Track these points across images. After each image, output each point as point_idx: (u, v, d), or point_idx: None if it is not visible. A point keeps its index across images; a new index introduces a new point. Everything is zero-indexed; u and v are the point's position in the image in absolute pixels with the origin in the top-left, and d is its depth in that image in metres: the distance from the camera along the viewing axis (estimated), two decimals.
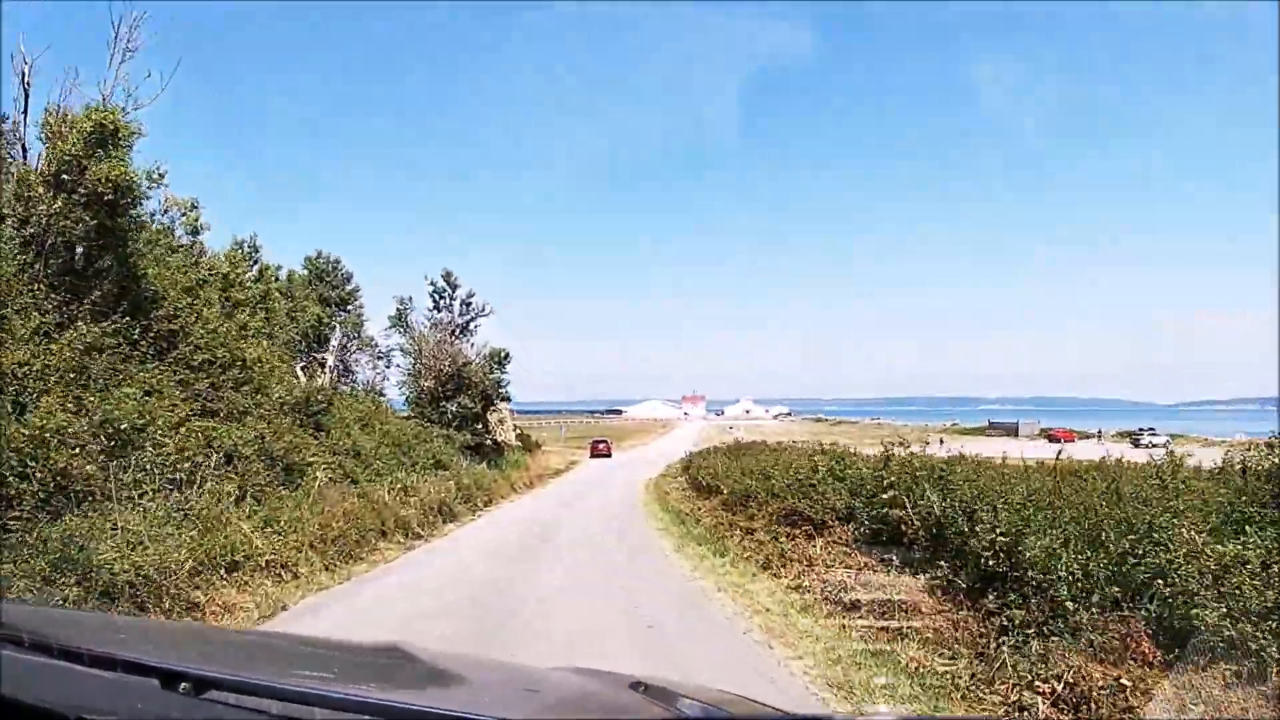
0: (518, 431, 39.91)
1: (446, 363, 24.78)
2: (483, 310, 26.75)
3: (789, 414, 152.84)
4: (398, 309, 26.44)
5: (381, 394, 26.48)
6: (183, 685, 1.20)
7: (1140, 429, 61.55)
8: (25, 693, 1.17)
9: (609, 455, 44.26)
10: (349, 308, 27.42)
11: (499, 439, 29.66)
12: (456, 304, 26.59)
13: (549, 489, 25.75)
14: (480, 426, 27.15)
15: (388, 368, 26.80)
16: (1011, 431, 66.86)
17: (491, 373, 25.85)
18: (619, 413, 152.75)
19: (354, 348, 27.43)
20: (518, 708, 1.40)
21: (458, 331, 26.05)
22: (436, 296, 26.60)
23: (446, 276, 26.60)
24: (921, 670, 5.45)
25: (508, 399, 28.22)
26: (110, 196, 9.86)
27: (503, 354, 26.53)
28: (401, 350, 25.92)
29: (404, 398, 26.33)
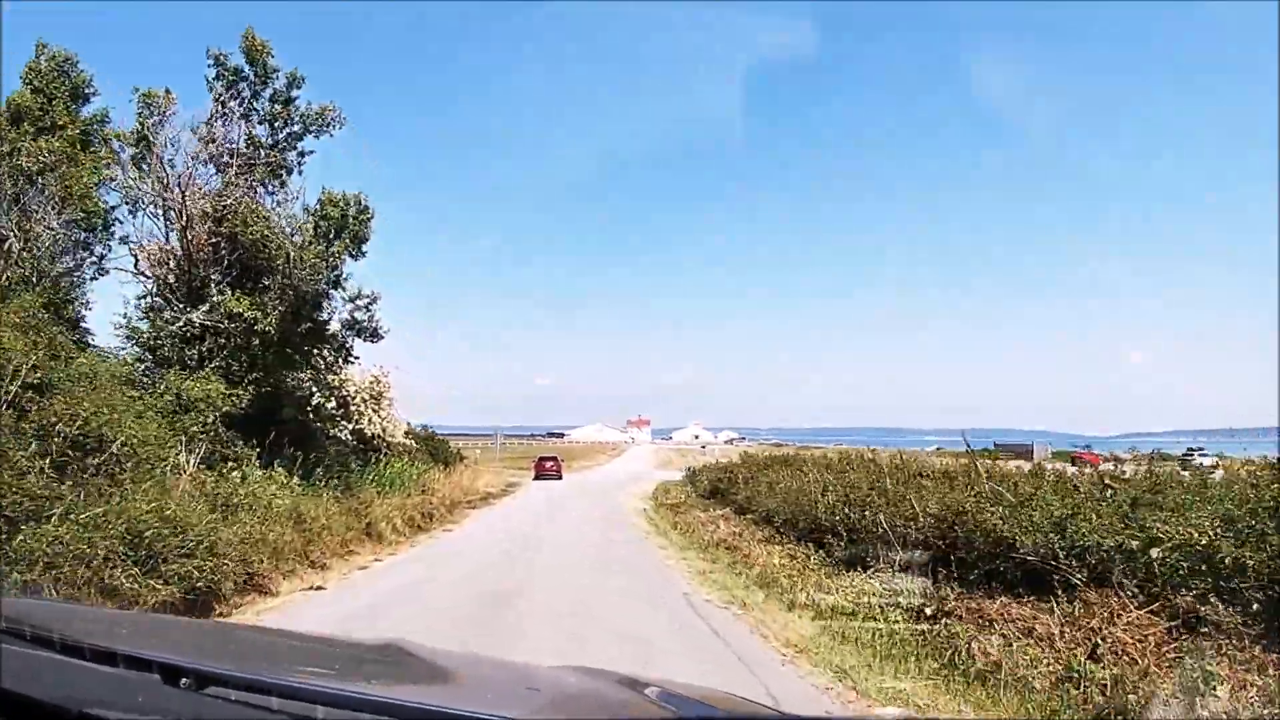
0: (416, 430, 25.26)
1: (217, 225, 10.61)
2: (323, 120, 12.31)
3: (742, 439, 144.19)
4: (138, 117, 12.02)
5: (80, 291, 12.35)
6: (184, 680, 1.18)
7: (1189, 450, 62.94)
8: (28, 687, 1.14)
9: (559, 477, 35.41)
10: (62, 131, 13.15)
11: (366, 430, 15.34)
12: (264, 104, 12.17)
13: (464, 533, 12.90)
14: (311, 392, 13.36)
15: (109, 243, 12.45)
16: (1024, 455, 63.48)
17: (328, 254, 11.45)
18: (561, 436, 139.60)
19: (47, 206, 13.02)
20: (518, 705, 1.36)
21: (261, 162, 11.62)
22: (223, 90, 11.94)
23: (250, 49, 11.84)
24: None
25: (376, 335, 13.65)
26: None
27: (357, 212, 11.96)
28: (125, 198, 11.61)
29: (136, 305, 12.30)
